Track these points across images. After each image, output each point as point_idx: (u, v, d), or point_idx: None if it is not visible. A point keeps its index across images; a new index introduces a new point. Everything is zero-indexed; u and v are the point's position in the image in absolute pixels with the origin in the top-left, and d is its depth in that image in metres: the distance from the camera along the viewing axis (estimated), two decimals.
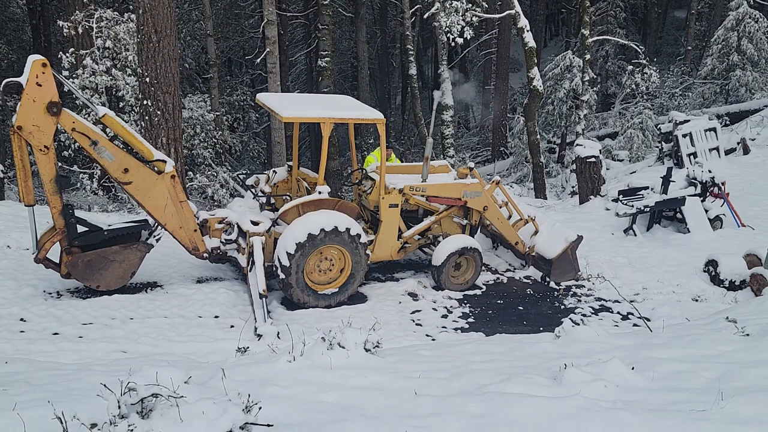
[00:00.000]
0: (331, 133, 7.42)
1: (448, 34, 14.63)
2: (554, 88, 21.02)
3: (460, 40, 14.51)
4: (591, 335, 5.06)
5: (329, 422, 3.06)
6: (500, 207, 8.90)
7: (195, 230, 7.24)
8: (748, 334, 4.60)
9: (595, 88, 23.06)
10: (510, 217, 9.03)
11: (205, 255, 7.43)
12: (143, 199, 6.87)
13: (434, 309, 7.73)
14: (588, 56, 18.30)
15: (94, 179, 13.12)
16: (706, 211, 11.26)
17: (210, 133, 16.70)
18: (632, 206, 10.88)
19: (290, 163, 8.77)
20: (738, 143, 17.32)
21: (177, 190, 6.99)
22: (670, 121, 15.77)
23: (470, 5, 14.67)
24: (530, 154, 16.59)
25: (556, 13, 38.67)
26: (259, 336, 6.37)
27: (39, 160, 6.28)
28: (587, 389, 3.40)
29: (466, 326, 7.36)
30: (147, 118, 10.09)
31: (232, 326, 6.73)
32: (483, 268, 8.89)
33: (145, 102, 10.05)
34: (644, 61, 19.57)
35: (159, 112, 10.01)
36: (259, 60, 16.70)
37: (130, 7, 15.57)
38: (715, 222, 11.30)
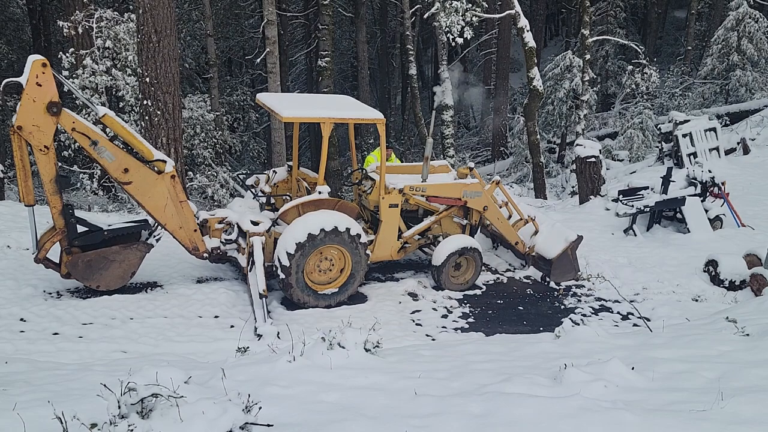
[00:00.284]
0: (331, 133, 7.42)
1: (448, 34, 14.62)
2: (554, 88, 21.02)
3: (460, 40, 14.51)
4: (591, 335, 5.06)
5: (329, 422, 3.06)
6: (500, 207, 8.90)
7: (195, 230, 7.24)
8: (748, 334, 4.60)
9: (595, 88, 23.06)
10: (510, 217, 9.03)
11: (205, 255, 7.43)
12: (143, 199, 6.87)
13: (434, 309, 7.73)
14: (588, 56, 18.31)
15: (94, 179, 13.12)
16: (706, 211, 11.26)
17: (210, 133, 16.70)
18: (632, 206, 10.88)
19: (290, 163, 8.76)
20: (738, 143, 17.32)
21: (177, 190, 6.99)
22: (670, 121, 15.77)
23: (470, 5, 14.67)
24: (530, 154, 16.59)
25: (556, 13, 38.67)
26: (259, 336, 6.37)
27: (39, 160, 6.28)
28: (587, 389, 3.40)
29: (466, 326, 7.36)
30: (147, 118, 10.09)
31: (232, 326, 6.73)
32: (483, 268, 8.89)
33: (145, 102, 10.05)
34: (644, 61, 19.58)
35: (159, 112, 10.01)
36: (259, 60, 16.69)
37: (130, 7, 15.57)
38: (715, 222, 11.30)
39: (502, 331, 7.05)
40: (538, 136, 15.99)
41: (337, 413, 3.21)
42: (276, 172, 8.69)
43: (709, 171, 11.68)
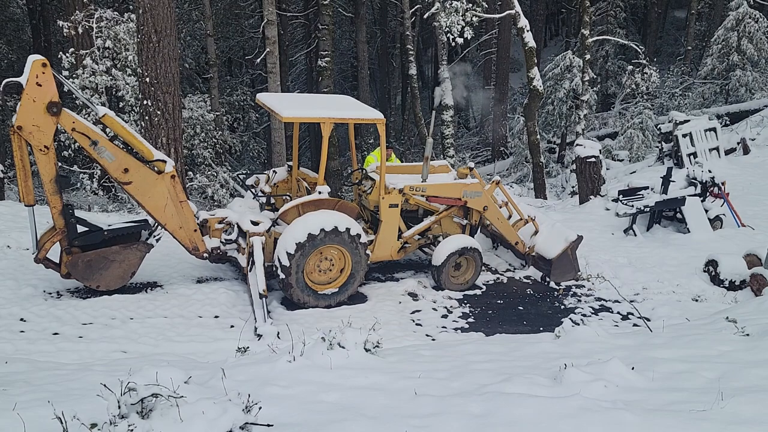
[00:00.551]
0: (331, 133, 7.42)
1: (448, 34, 14.63)
2: (554, 88, 21.02)
3: (460, 40, 14.51)
4: (591, 335, 5.06)
5: (329, 422, 3.06)
6: (500, 207, 8.90)
7: (195, 230, 7.24)
8: (748, 334, 4.60)
9: (595, 88, 23.06)
10: (510, 217, 9.03)
11: (205, 255, 7.43)
12: (143, 199, 6.87)
13: (434, 309, 7.73)
14: (588, 56, 18.31)
15: (94, 179, 13.12)
16: (706, 211, 11.26)
17: (210, 133, 16.70)
18: (632, 206, 10.88)
19: (290, 163, 8.76)
20: (738, 143, 17.32)
21: (177, 190, 6.99)
22: (670, 121, 15.77)
23: (470, 5, 14.67)
24: (530, 154, 16.59)
25: (556, 13, 38.68)
26: (259, 336, 6.37)
27: (39, 160, 6.28)
28: (587, 389, 3.40)
29: (466, 326, 7.36)
30: (147, 118, 10.09)
31: (232, 326, 6.73)
32: (483, 268, 8.89)
33: (145, 102, 10.05)
34: (644, 61, 19.58)
35: (159, 112, 10.01)
36: (259, 60, 16.69)
37: (130, 7, 15.57)
38: (715, 222, 11.30)
39: (502, 331, 7.05)
40: (538, 136, 15.99)
41: (337, 413, 3.21)
42: (276, 172, 8.69)
43: (709, 171, 11.68)
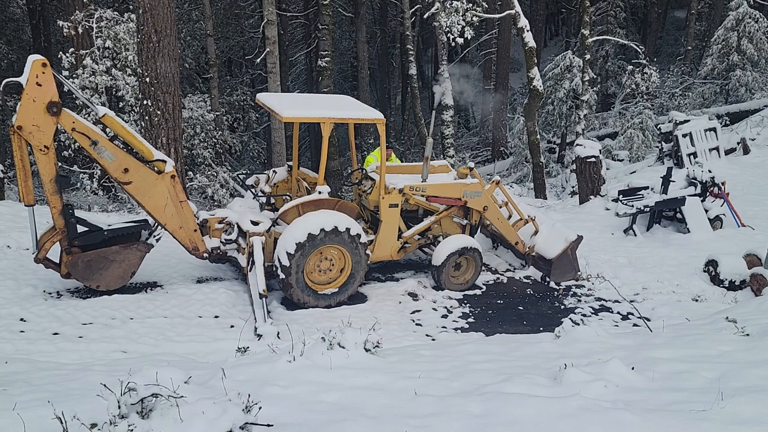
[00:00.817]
0: (331, 133, 7.42)
1: (448, 34, 14.62)
2: (554, 88, 21.02)
3: (460, 40, 14.51)
4: (591, 335, 5.06)
5: (329, 422, 3.06)
6: (500, 207, 8.90)
7: (195, 230, 7.24)
8: (748, 334, 4.60)
9: (595, 88, 23.06)
10: (510, 217, 9.03)
11: (205, 255, 7.43)
12: (143, 199, 6.87)
13: (434, 309, 7.73)
14: (588, 56, 18.30)
15: (94, 179, 13.12)
16: (706, 211, 11.26)
17: (210, 133, 16.70)
18: (632, 206, 10.88)
19: (290, 163, 8.76)
20: (738, 143, 17.32)
21: (177, 190, 6.99)
22: (670, 121, 15.77)
23: (470, 5, 14.67)
24: (530, 154, 16.59)
25: (556, 13, 38.68)
26: (259, 336, 6.37)
27: (39, 160, 6.28)
28: (587, 389, 3.40)
29: (466, 326, 7.36)
30: (147, 118, 10.09)
31: (232, 326, 6.73)
32: (483, 268, 8.89)
33: (145, 102, 10.05)
34: (644, 61, 19.58)
35: (159, 112, 10.00)
36: (259, 60, 16.70)
37: (130, 7, 15.57)
38: (715, 222, 11.30)
39: (502, 331, 7.05)
40: (538, 136, 15.99)
41: (337, 413, 3.21)
42: (276, 172, 8.69)
43: (709, 171, 11.68)
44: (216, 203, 14.42)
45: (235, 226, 7.58)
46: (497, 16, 17.16)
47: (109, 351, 5.97)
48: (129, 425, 2.60)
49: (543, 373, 3.83)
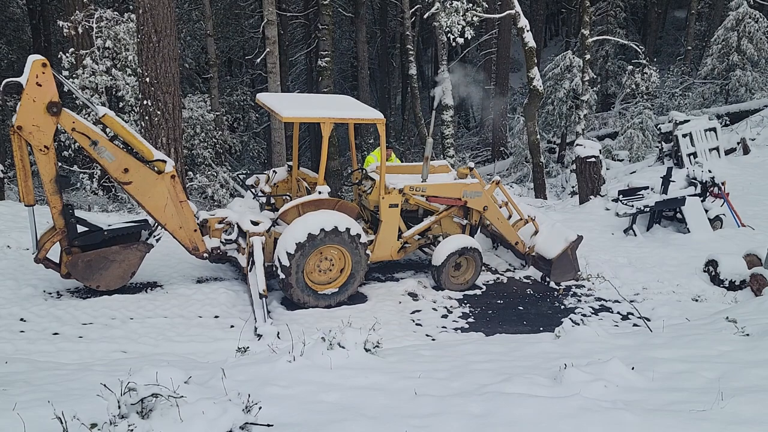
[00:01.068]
0: (331, 133, 7.42)
1: (449, 34, 14.62)
2: (554, 88, 21.02)
3: (460, 40, 14.51)
4: (591, 335, 5.06)
5: (329, 422, 3.06)
6: (500, 207, 8.90)
7: (195, 230, 7.24)
8: (748, 334, 4.60)
9: (595, 88, 23.06)
10: (510, 217, 9.03)
11: (205, 255, 7.43)
12: (143, 199, 6.87)
13: (434, 309, 7.73)
14: (588, 56, 18.30)
15: (94, 179, 13.12)
16: (706, 211, 11.26)
17: (210, 133, 16.70)
18: (632, 206, 10.88)
19: (290, 163, 8.76)
20: (738, 143, 17.32)
21: (177, 190, 6.99)
22: (670, 121, 15.77)
23: (470, 5, 14.67)
24: (530, 154, 16.59)
25: (556, 13, 38.68)
26: (259, 336, 6.37)
27: (39, 160, 6.28)
28: (587, 389, 3.40)
29: (466, 326, 7.36)
30: (147, 118, 10.09)
31: (232, 326, 6.73)
32: (483, 268, 8.89)
33: (145, 102, 10.05)
34: (644, 61, 19.58)
35: (159, 112, 10.01)
36: (259, 60, 16.70)
37: (130, 7, 15.57)
38: (715, 222, 11.30)
39: (502, 331, 7.05)
40: (538, 136, 15.99)
41: (337, 413, 3.21)
42: (276, 172, 8.69)
43: (709, 171, 11.68)
44: (216, 203, 14.42)
45: (235, 226, 7.58)
46: (497, 16, 17.16)
47: (109, 351, 5.97)
48: (129, 425, 2.60)
49: (543, 373, 3.83)
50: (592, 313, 7.95)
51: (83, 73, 12.61)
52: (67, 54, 12.91)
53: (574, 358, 4.08)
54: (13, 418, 2.93)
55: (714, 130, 15.59)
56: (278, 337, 6.21)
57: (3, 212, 9.08)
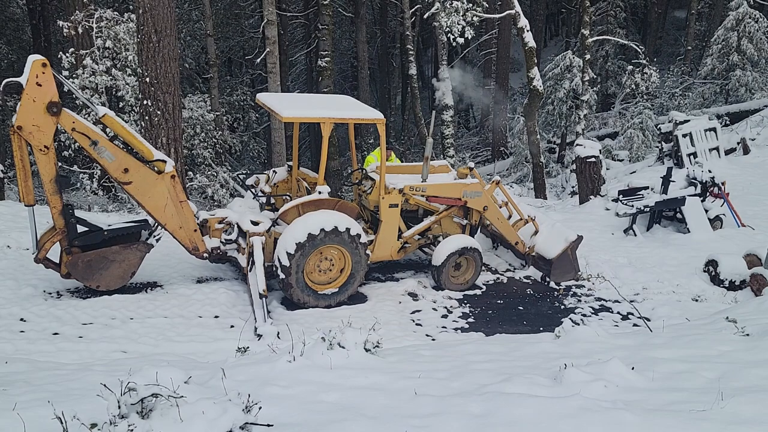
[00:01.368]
0: (331, 133, 7.42)
1: (449, 34, 14.62)
2: (554, 88, 21.02)
3: (460, 40, 14.51)
4: (591, 335, 5.06)
5: (329, 422, 3.06)
6: (500, 207, 8.90)
7: (195, 230, 7.24)
8: (748, 334, 4.60)
9: (595, 88, 23.05)
10: (510, 217, 9.03)
11: (205, 255, 7.43)
12: (143, 199, 6.87)
13: (434, 309, 7.73)
14: (588, 56, 18.31)
15: (94, 179, 13.12)
16: (706, 211, 11.26)
17: (210, 133, 16.70)
18: (632, 206, 10.88)
19: (290, 163, 8.76)
20: (738, 143, 17.32)
21: (177, 190, 6.99)
22: (670, 121, 15.77)
23: (470, 5, 14.67)
24: (530, 154, 16.59)
25: (556, 13, 38.67)
26: (259, 336, 6.37)
27: (39, 160, 6.28)
28: (587, 389, 3.40)
29: (466, 326, 7.36)
30: (147, 118, 10.09)
31: (232, 326, 6.73)
32: (483, 268, 8.89)
33: (145, 102, 10.05)
34: (644, 61, 19.57)
35: (159, 112, 10.01)
36: (259, 60, 16.70)
37: (130, 7, 15.57)
38: (715, 222, 11.30)
39: (502, 331, 7.05)
40: (538, 136, 15.99)
41: (337, 413, 3.21)
42: (276, 172, 8.69)
43: (709, 171, 11.68)
44: (216, 203, 14.42)
45: (235, 226, 7.58)
46: (497, 16, 17.16)
47: (109, 351, 5.97)
48: (129, 425, 2.60)
49: (543, 373, 3.83)
50: (592, 313, 7.95)
51: (83, 73, 12.61)
52: (67, 54, 12.90)
53: (574, 358, 4.08)
54: (13, 418, 2.93)
55: (714, 130, 15.59)
56: (278, 337, 6.21)
57: (3, 212, 9.08)
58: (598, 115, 24.51)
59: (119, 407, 2.66)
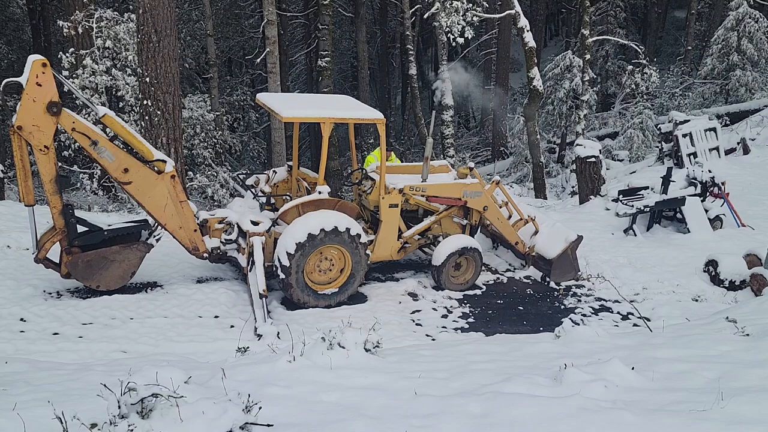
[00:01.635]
0: (331, 133, 7.42)
1: (449, 34, 14.62)
2: (554, 88, 21.02)
3: (460, 40, 14.51)
4: (591, 335, 5.07)
5: (329, 422, 3.06)
6: (500, 207, 8.90)
7: (195, 230, 7.24)
8: (748, 334, 4.60)
9: (595, 88, 23.06)
10: (510, 217, 9.03)
11: (205, 255, 7.43)
12: (143, 199, 6.87)
13: (434, 309, 7.73)
14: (588, 56, 18.30)
15: (94, 179, 13.12)
16: (706, 211, 11.26)
17: (210, 133, 16.71)
18: (632, 206, 10.87)
19: (290, 163, 8.77)
20: (738, 143, 17.32)
21: (177, 190, 6.99)
22: (670, 121, 15.77)
23: (470, 5, 14.66)
24: (530, 154, 16.59)
25: (556, 13, 38.67)
26: (259, 336, 6.37)
27: (39, 160, 6.28)
28: (587, 389, 3.40)
29: (466, 326, 7.36)
30: (147, 118, 10.09)
31: (232, 326, 6.73)
32: (483, 268, 8.89)
33: (145, 102, 10.05)
34: (644, 61, 19.57)
35: (159, 112, 10.01)
36: (259, 60, 16.71)
37: (130, 7, 15.58)
38: (715, 222, 11.30)
39: (502, 331, 7.05)
40: (538, 136, 15.99)
41: (337, 413, 3.21)
42: (276, 172, 8.69)
43: (709, 171, 11.68)
44: (216, 203, 14.42)
45: (235, 226, 7.58)
46: (497, 16, 17.15)
47: (109, 351, 5.97)
48: (129, 425, 2.60)
49: (543, 373, 3.83)
50: (592, 313, 7.95)
51: (83, 73, 12.62)
52: (67, 54, 12.91)
53: (574, 358, 4.08)
54: (13, 418, 2.93)
55: (714, 130, 15.59)
56: (278, 337, 6.21)
57: (3, 212, 9.08)
58: (598, 115, 24.50)
59: (119, 407, 2.66)
